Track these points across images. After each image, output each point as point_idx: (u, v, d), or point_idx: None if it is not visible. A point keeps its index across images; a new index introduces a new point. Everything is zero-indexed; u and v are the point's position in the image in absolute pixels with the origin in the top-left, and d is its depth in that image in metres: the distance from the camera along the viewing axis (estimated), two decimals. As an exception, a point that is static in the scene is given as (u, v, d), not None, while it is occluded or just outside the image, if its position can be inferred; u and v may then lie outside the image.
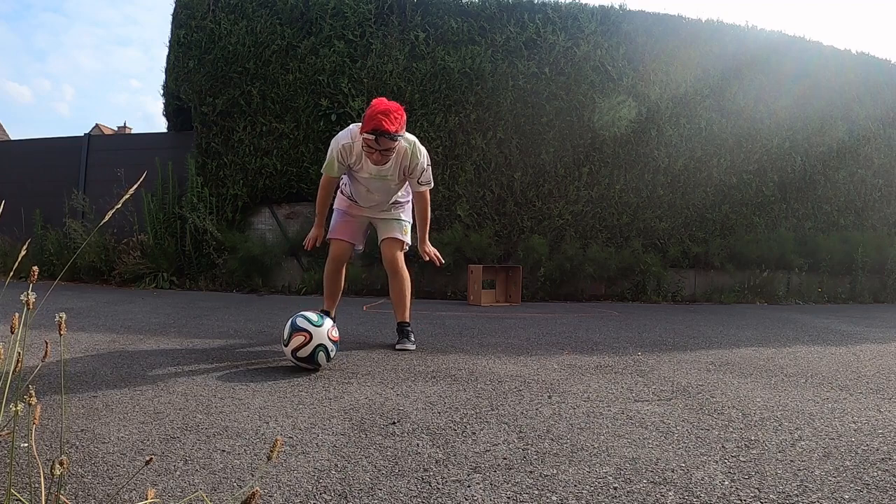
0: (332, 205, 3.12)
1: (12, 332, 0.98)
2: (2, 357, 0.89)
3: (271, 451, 0.87)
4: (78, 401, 1.80)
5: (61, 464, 0.86)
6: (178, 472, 1.26)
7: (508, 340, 3.29)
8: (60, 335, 0.97)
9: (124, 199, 1.21)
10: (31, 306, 0.96)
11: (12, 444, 0.93)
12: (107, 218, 1.26)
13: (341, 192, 3.13)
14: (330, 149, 2.84)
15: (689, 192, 6.77)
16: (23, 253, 1.22)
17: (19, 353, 0.98)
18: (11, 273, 1.27)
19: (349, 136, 2.76)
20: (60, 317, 0.99)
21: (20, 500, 1.00)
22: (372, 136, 2.57)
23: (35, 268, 1.06)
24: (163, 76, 6.92)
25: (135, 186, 1.27)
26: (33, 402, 0.89)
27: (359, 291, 6.27)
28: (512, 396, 2.00)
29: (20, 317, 0.99)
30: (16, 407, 0.87)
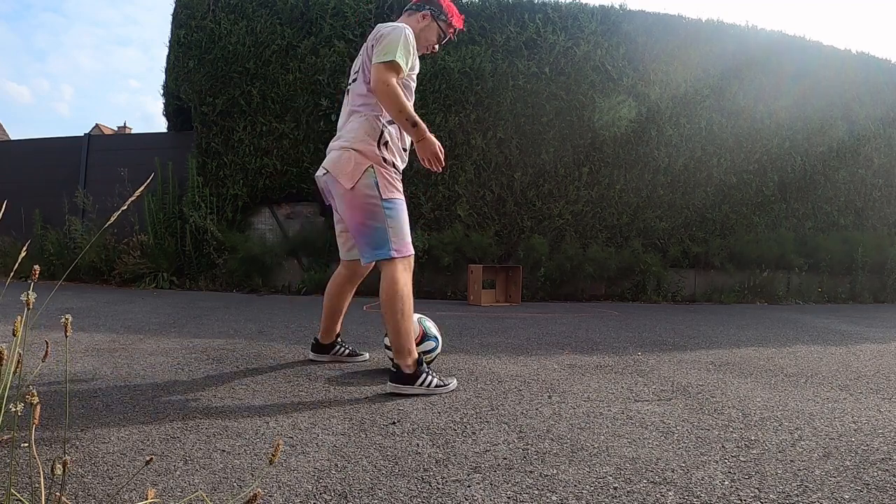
0: (385, 196, 2.12)
1: (15, 336, 0.98)
2: (5, 359, 0.89)
3: (273, 455, 0.87)
4: (78, 401, 1.80)
5: (64, 464, 0.87)
6: (178, 472, 1.26)
7: (508, 340, 3.29)
8: (66, 336, 0.97)
9: (129, 201, 1.21)
10: (30, 306, 0.96)
11: (13, 445, 0.94)
12: (111, 220, 1.26)
13: (387, 165, 2.15)
14: (396, 35, 2.09)
15: (689, 191, 6.77)
16: (23, 254, 1.22)
17: (19, 353, 0.98)
18: (12, 274, 1.27)
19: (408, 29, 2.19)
20: (66, 318, 0.99)
21: (20, 500, 1.00)
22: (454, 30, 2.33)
23: (36, 267, 1.06)
24: (163, 76, 6.93)
25: (138, 192, 1.28)
26: (35, 402, 0.89)
27: (359, 291, 6.27)
28: (512, 396, 2.00)
29: (22, 317, 0.99)
30: (16, 408, 0.87)
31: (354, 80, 2.23)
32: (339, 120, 2.29)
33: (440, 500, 1.16)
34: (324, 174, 2.18)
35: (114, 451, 1.37)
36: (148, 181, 1.49)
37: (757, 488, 1.23)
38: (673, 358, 2.83)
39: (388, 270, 2.10)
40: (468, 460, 1.38)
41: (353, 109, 2.19)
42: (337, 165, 2.12)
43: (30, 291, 0.97)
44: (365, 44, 2.22)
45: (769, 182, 7.06)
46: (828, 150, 7.33)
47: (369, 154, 2.12)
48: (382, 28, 2.16)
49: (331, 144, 2.22)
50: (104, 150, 7.57)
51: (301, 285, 6.31)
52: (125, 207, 1.24)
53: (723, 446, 1.51)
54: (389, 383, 2.03)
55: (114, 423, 1.59)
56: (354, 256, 2.35)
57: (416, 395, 1.99)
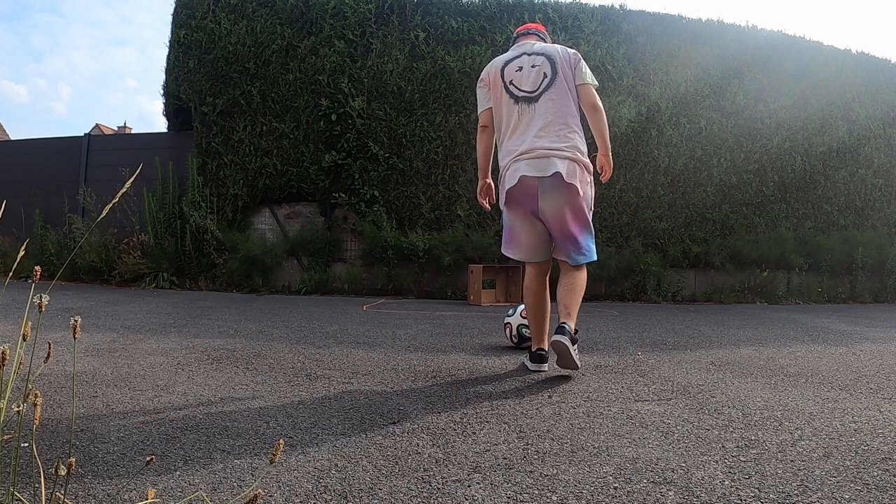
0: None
1: (25, 340, 0.98)
2: (8, 358, 0.89)
3: (274, 454, 0.87)
4: (78, 401, 1.80)
5: (69, 466, 0.87)
6: (178, 472, 1.26)
7: (508, 340, 3.28)
8: (75, 337, 0.97)
9: (120, 193, 1.20)
10: (42, 309, 0.96)
11: (17, 444, 0.94)
12: (104, 213, 1.26)
13: None
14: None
15: (690, 191, 6.77)
16: (21, 253, 1.22)
17: (22, 354, 0.98)
18: (11, 273, 1.27)
19: None
20: (75, 320, 0.99)
21: (21, 499, 1.00)
22: None
23: (38, 267, 1.06)
24: (161, 76, 6.98)
25: (129, 181, 1.27)
26: (38, 402, 0.89)
27: (359, 291, 6.27)
28: (512, 396, 2.00)
29: (28, 319, 0.99)
30: (19, 408, 0.87)
31: (545, 90, 2.40)
32: (532, 123, 2.39)
33: (440, 500, 1.16)
34: (550, 174, 2.30)
35: (114, 451, 1.37)
36: (138, 171, 1.47)
37: (757, 488, 1.23)
38: (673, 358, 2.83)
39: (585, 270, 2.50)
40: (468, 460, 1.38)
41: (567, 121, 2.40)
42: (574, 174, 2.33)
43: (42, 294, 0.97)
44: (534, 56, 2.46)
45: (769, 182, 7.06)
46: (828, 150, 7.33)
47: (590, 169, 2.44)
48: (566, 49, 2.51)
49: (543, 145, 2.34)
50: (104, 149, 7.58)
51: (301, 285, 6.31)
52: (115, 201, 1.23)
53: (723, 446, 1.51)
54: (562, 337, 2.19)
55: (114, 423, 1.59)
56: (544, 257, 2.53)
57: (574, 354, 2.22)
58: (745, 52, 7.03)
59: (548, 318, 2.54)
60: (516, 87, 2.44)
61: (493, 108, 2.51)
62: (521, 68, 2.45)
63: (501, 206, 2.50)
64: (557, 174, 2.30)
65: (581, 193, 2.36)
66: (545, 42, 2.62)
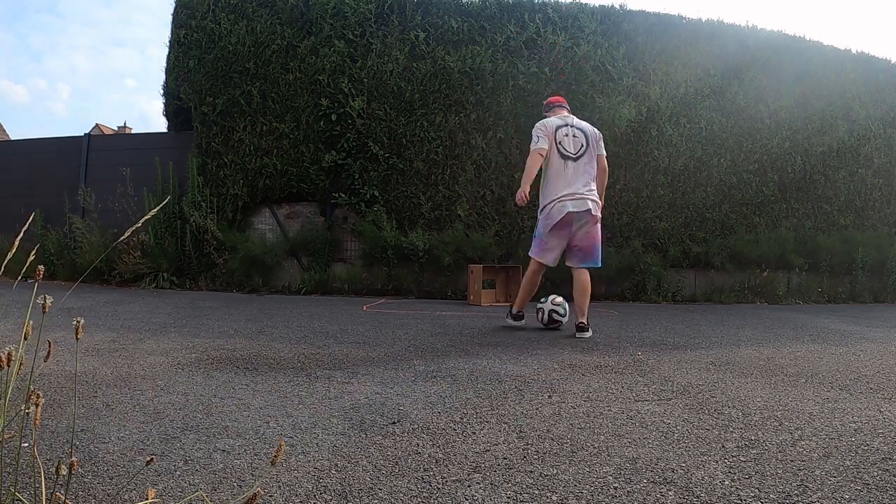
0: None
1: (26, 339, 0.98)
2: (12, 359, 0.89)
3: (275, 455, 0.86)
4: (78, 401, 1.80)
5: (70, 466, 0.87)
6: (178, 472, 1.26)
7: (508, 340, 3.29)
8: (77, 338, 0.97)
9: (143, 220, 1.21)
10: (46, 310, 0.96)
11: (19, 445, 0.94)
12: (124, 237, 1.26)
13: None
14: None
15: (690, 191, 6.77)
16: (32, 257, 1.22)
17: (22, 355, 0.98)
18: (20, 275, 1.27)
19: None
20: (78, 321, 0.99)
21: (21, 500, 1.00)
22: None
23: (41, 266, 1.06)
24: (160, 76, 6.97)
25: (152, 212, 1.28)
26: (41, 403, 0.89)
27: (359, 291, 6.27)
28: (512, 396, 2.01)
29: (31, 319, 0.99)
30: (26, 409, 0.87)
31: (582, 155, 3.64)
32: (574, 176, 3.59)
33: (440, 500, 1.17)
34: (584, 210, 3.54)
35: (114, 451, 1.38)
36: (161, 205, 1.50)
37: (757, 488, 1.24)
38: (673, 358, 2.83)
39: (588, 273, 3.66)
40: (468, 460, 1.38)
41: (593, 178, 3.68)
42: (597, 209, 3.63)
43: (46, 295, 0.97)
44: (574, 128, 3.69)
45: (769, 182, 7.06)
46: (828, 149, 7.32)
47: (601, 206, 3.73)
48: (594, 129, 3.77)
49: (582, 191, 3.57)
50: (104, 149, 7.58)
51: (301, 285, 6.31)
52: (139, 225, 1.23)
53: (723, 446, 1.51)
54: (582, 334, 3.43)
55: (114, 423, 1.59)
56: (557, 263, 3.71)
57: (588, 333, 3.46)
58: (745, 52, 7.02)
59: (533, 294, 3.79)
60: (564, 147, 3.62)
61: (548, 150, 3.61)
62: (567, 135, 3.65)
63: (544, 229, 3.61)
64: (588, 210, 3.55)
65: (600, 223, 3.67)
66: (568, 109, 3.86)
